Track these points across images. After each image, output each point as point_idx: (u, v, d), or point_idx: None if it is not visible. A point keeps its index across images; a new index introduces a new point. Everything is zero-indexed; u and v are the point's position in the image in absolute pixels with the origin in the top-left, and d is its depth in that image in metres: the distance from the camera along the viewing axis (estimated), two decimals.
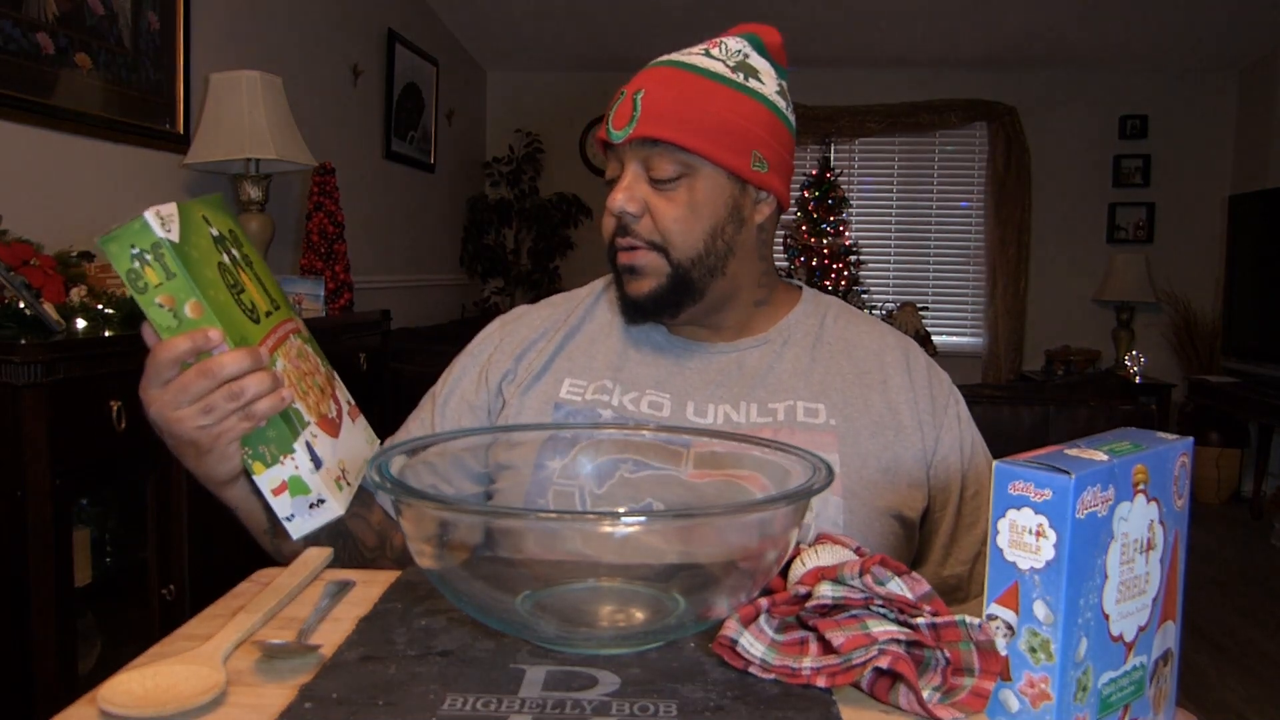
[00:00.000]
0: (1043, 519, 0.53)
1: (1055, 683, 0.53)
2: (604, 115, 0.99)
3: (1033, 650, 0.54)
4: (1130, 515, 0.56)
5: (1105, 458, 0.55)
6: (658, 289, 0.98)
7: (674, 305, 1.00)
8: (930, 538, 1.01)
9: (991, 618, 0.56)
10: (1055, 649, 0.53)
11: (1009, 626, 0.55)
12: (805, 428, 0.96)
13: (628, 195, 0.96)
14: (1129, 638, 0.57)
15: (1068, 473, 0.52)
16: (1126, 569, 0.56)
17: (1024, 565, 0.54)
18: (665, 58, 1.00)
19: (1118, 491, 0.55)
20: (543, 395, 1.02)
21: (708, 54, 0.98)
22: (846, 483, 0.95)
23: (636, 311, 1.01)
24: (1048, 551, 0.53)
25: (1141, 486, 0.56)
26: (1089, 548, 0.53)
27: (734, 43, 1.00)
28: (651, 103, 0.95)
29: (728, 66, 0.98)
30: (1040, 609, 0.53)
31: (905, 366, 1.04)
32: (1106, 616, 0.55)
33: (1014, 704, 0.55)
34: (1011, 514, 0.54)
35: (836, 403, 0.99)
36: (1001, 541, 0.55)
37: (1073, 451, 0.55)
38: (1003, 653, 0.55)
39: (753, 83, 0.98)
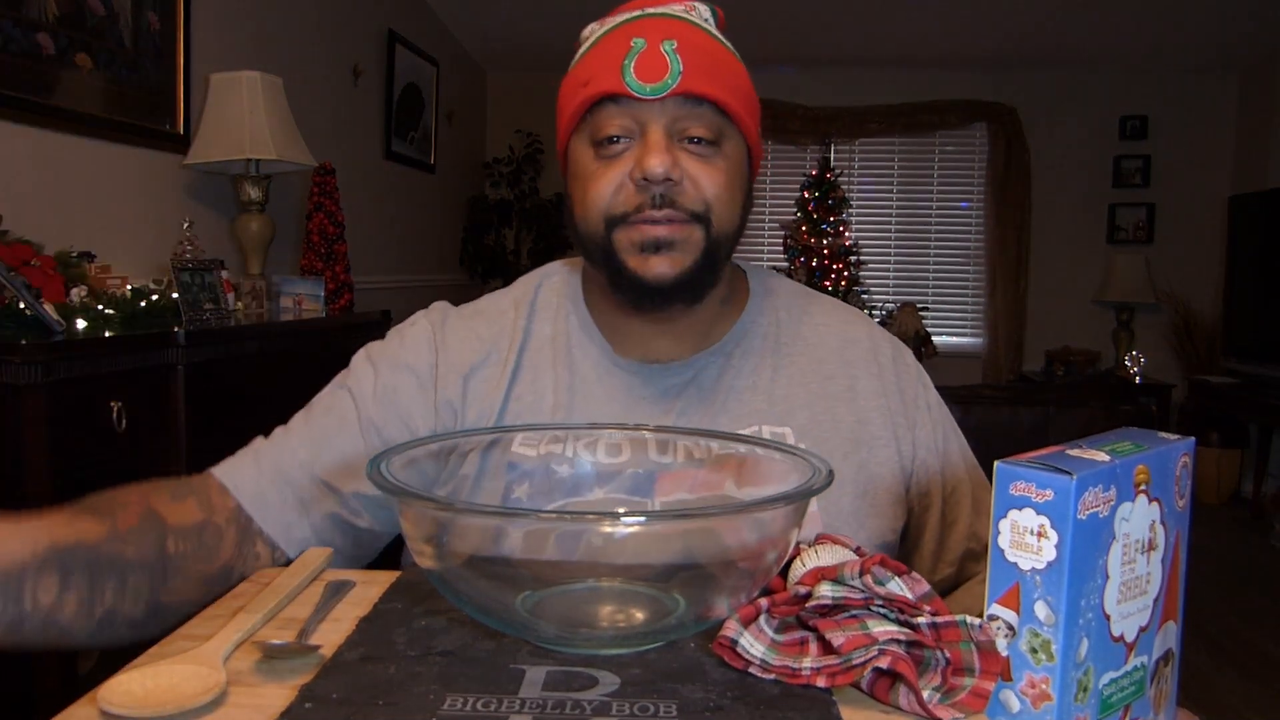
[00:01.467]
0: (1044, 519, 0.53)
1: (1056, 683, 0.53)
2: (600, 66, 0.85)
3: (1034, 651, 0.54)
4: (1132, 516, 0.56)
5: (1107, 458, 0.55)
6: (692, 267, 0.85)
7: (699, 287, 0.87)
8: (916, 544, 0.96)
9: (993, 618, 0.56)
10: (1056, 649, 0.53)
11: (1010, 627, 0.55)
12: None
13: (670, 159, 0.82)
14: (1130, 638, 0.57)
15: (1069, 473, 0.52)
16: (1128, 569, 0.56)
17: (1025, 566, 0.54)
18: (658, 9, 0.88)
19: (1119, 492, 0.55)
20: (496, 456, 0.87)
21: (688, 13, 0.88)
22: (825, 519, 0.88)
23: (658, 296, 0.86)
24: (1049, 552, 0.53)
25: (1143, 487, 0.56)
26: (1090, 548, 0.53)
27: (703, 8, 0.90)
28: (690, 55, 0.83)
29: (715, 28, 0.89)
30: (1041, 609, 0.53)
31: (874, 362, 0.96)
32: (1108, 617, 0.55)
33: (1015, 704, 0.55)
34: (1013, 514, 0.54)
35: (804, 424, 0.91)
36: (1003, 542, 0.55)
37: (1074, 452, 0.55)
38: (1003, 653, 0.55)
39: (735, 52, 0.90)
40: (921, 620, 0.59)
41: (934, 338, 5.14)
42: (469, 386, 0.93)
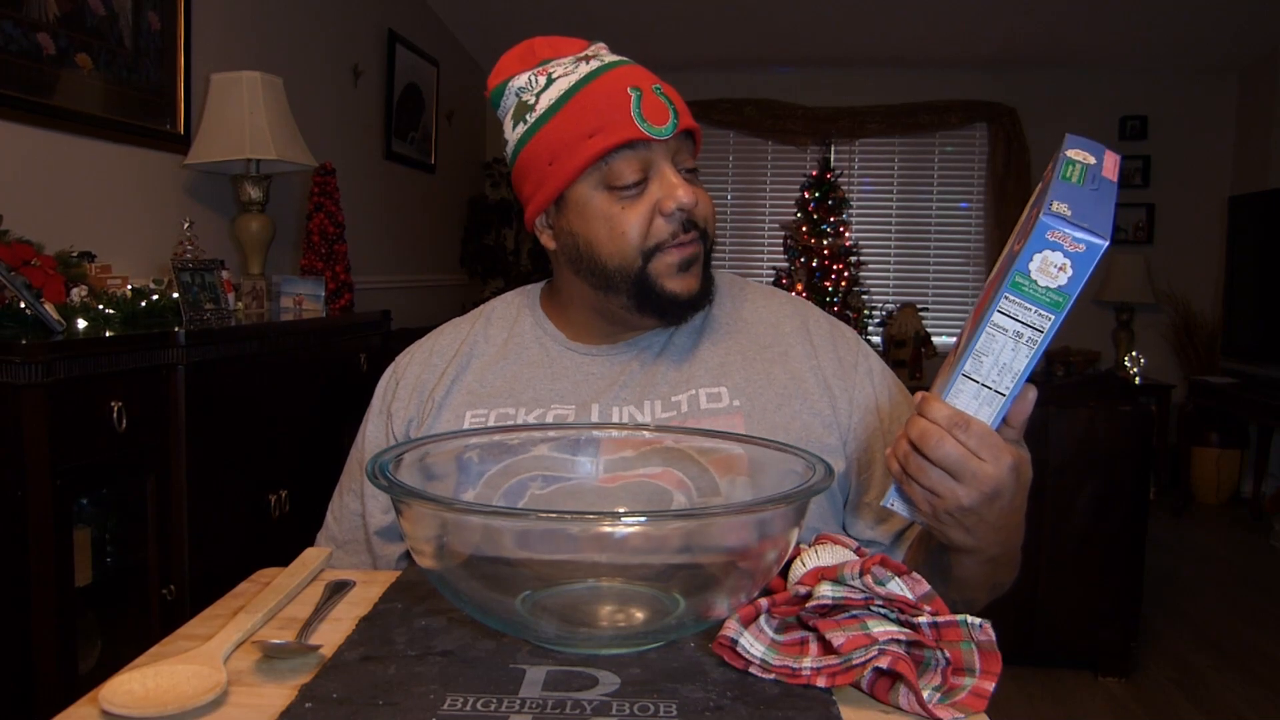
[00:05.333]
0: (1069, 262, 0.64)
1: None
2: (603, 117, 0.91)
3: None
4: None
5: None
6: (705, 277, 0.98)
7: (710, 293, 1.00)
8: (860, 498, 0.98)
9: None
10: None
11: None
12: (710, 414, 0.94)
13: (690, 190, 0.93)
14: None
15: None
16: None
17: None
18: (612, 58, 0.98)
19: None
20: (447, 424, 0.97)
21: (627, 59, 1.00)
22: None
23: (689, 308, 0.98)
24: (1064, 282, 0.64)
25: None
26: None
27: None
28: (673, 96, 0.94)
29: None
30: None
31: (806, 334, 1.02)
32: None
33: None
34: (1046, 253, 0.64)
35: (738, 383, 0.97)
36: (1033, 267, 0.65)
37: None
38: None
39: None
40: (922, 620, 0.59)
41: (934, 338, 5.14)
42: (428, 398, 1.01)
